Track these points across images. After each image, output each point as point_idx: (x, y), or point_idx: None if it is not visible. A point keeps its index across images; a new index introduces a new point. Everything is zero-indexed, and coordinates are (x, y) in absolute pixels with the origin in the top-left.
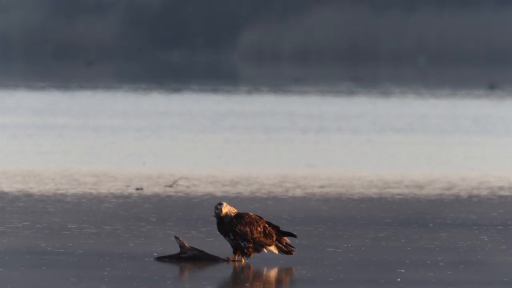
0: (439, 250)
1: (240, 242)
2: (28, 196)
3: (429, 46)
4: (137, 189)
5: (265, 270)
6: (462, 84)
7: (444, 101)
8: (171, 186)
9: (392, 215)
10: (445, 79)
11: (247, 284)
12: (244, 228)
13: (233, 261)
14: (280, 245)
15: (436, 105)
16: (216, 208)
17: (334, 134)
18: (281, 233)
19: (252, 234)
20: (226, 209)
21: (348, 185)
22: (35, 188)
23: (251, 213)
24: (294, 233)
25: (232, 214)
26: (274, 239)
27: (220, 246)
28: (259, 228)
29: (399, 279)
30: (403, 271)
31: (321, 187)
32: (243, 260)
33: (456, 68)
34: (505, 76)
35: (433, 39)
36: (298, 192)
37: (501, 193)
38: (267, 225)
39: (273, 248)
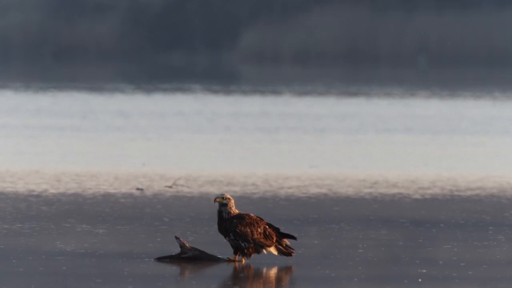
0: (457, 250)
1: (240, 242)
2: (28, 196)
3: (430, 47)
4: (137, 189)
5: (265, 270)
6: (462, 85)
7: (444, 102)
8: (171, 186)
9: (405, 215)
10: (445, 80)
11: (247, 284)
12: (245, 228)
13: (234, 261)
14: (280, 247)
15: (437, 106)
16: (219, 197)
17: (334, 134)
18: (281, 235)
19: (253, 235)
20: (232, 201)
21: (356, 185)
22: (34, 188)
23: (252, 214)
24: (295, 235)
25: (233, 213)
26: (274, 240)
27: (221, 246)
28: (259, 229)
29: (420, 280)
30: (424, 271)
31: (329, 187)
32: (243, 261)
33: (456, 69)
34: (505, 77)
35: (433, 40)
36: (308, 193)
37: (510, 193)
38: (267, 227)
39: (273, 250)
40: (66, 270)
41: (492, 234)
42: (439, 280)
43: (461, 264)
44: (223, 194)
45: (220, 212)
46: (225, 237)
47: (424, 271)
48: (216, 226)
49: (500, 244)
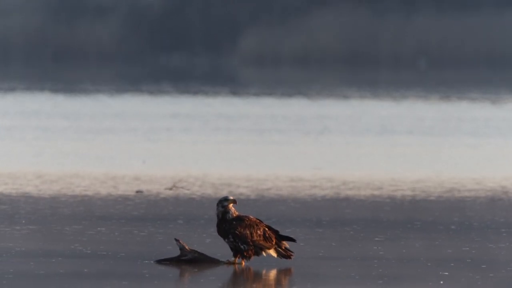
0: (475, 252)
1: (239, 244)
2: (28, 198)
3: (430, 49)
4: (137, 191)
5: (265, 272)
6: (462, 87)
7: (445, 104)
8: (171, 188)
9: (419, 218)
10: (445, 82)
11: (247, 287)
12: (244, 230)
13: (234, 263)
14: (280, 249)
15: (438, 108)
16: (225, 200)
17: (335, 136)
18: (280, 237)
19: (252, 237)
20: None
21: (364, 187)
22: (34, 191)
23: (251, 216)
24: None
25: (233, 215)
26: (274, 242)
27: (221, 248)
28: (259, 231)
29: (442, 282)
30: (446, 273)
31: (337, 189)
32: (243, 263)
33: (456, 71)
34: (505, 79)
35: (433, 42)
36: (317, 195)
37: None
38: (266, 229)
39: (272, 252)
40: (57, 269)
41: (506, 236)
42: (462, 282)
43: (482, 266)
44: (229, 196)
45: (225, 213)
46: (224, 239)
47: (446, 273)
48: (215, 228)
49: None
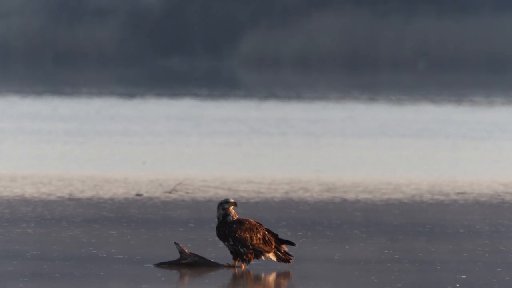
0: (488, 256)
1: (239, 248)
2: (27, 201)
3: (429, 51)
4: (136, 195)
5: (265, 276)
6: (462, 90)
7: (444, 107)
8: (170, 192)
9: (428, 221)
10: (445, 85)
11: None
12: (244, 234)
13: (233, 267)
14: (279, 253)
15: (437, 111)
16: (226, 202)
17: (333, 139)
18: (280, 241)
19: (252, 240)
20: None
21: (369, 191)
22: (36, 193)
23: (251, 220)
24: (293, 242)
25: (234, 218)
26: (273, 246)
27: (220, 252)
28: (258, 235)
29: (458, 285)
30: (464, 277)
31: (342, 193)
32: (243, 266)
33: (456, 74)
34: (504, 82)
35: (433, 44)
36: (322, 198)
37: None
38: (266, 232)
39: (271, 256)
40: (66, 278)
41: None
42: (480, 286)
43: (498, 269)
44: (229, 198)
45: (225, 216)
46: (224, 242)
47: (464, 277)
48: (215, 232)
49: None
